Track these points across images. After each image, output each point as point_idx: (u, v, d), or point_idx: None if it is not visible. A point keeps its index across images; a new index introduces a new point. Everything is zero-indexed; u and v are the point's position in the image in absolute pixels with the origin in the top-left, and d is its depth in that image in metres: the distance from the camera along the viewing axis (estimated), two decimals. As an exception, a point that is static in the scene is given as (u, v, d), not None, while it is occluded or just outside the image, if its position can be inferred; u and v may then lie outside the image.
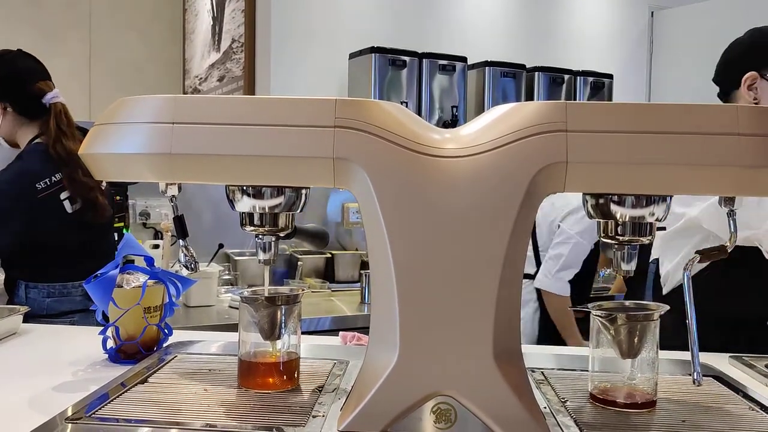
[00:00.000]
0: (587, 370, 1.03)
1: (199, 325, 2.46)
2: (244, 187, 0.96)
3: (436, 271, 0.86)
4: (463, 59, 3.56)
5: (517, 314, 0.90)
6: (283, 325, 1.02)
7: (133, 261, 1.41)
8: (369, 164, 0.87)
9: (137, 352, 1.23)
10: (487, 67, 3.66)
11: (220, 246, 2.97)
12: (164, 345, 1.28)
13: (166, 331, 1.28)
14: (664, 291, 1.73)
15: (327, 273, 3.32)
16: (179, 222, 1.04)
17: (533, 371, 1.13)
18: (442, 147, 0.89)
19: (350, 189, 0.90)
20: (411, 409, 0.86)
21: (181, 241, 1.04)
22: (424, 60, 3.46)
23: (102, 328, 1.23)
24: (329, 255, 3.32)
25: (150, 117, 0.91)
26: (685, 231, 1.65)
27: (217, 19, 4.21)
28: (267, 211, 0.97)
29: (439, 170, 0.87)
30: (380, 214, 0.87)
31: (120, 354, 1.23)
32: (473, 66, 3.68)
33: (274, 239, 1.01)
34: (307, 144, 0.88)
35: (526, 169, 0.86)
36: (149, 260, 1.31)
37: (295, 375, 1.03)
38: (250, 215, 0.98)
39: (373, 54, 3.35)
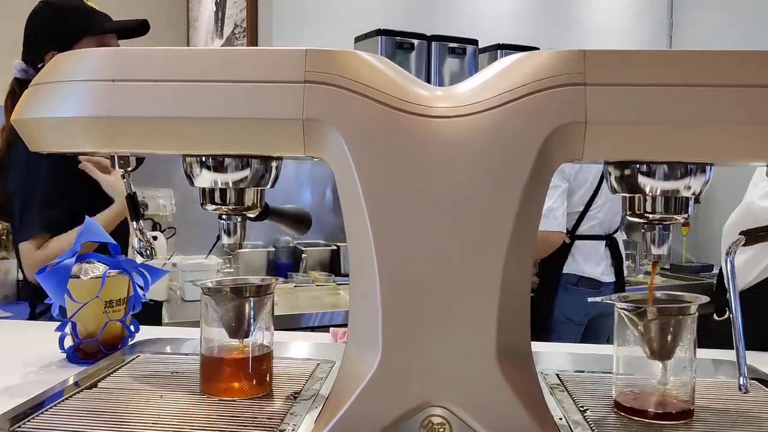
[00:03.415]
0: (611, 373, 0.88)
1: (195, 320, 2.33)
2: (203, 158, 0.81)
3: (426, 254, 0.71)
4: (474, 42, 3.40)
5: (525, 306, 0.75)
6: (251, 320, 0.88)
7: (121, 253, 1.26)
8: (345, 126, 0.72)
9: (98, 351, 1.09)
10: (499, 51, 3.49)
11: (219, 237, 2.83)
12: (130, 343, 1.13)
13: (132, 328, 1.14)
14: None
15: (332, 266, 3.20)
16: (131, 201, 0.89)
17: (546, 374, 0.97)
18: (432, 105, 0.73)
19: (323, 156, 0.75)
20: (396, 422, 0.70)
21: (134, 224, 0.90)
22: (433, 43, 3.31)
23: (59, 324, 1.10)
24: (335, 247, 3.20)
25: (88, 74, 0.77)
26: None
27: (220, 4, 4.08)
28: (230, 186, 0.83)
29: (430, 133, 0.72)
30: (359, 186, 0.72)
31: (78, 353, 1.09)
32: (484, 49, 3.51)
33: (240, 220, 0.87)
34: (272, 103, 0.73)
35: (535, 131, 0.71)
36: (114, 248, 1.17)
37: (267, 379, 0.89)
38: (211, 191, 0.83)
39: (379, 37, 3.21)
